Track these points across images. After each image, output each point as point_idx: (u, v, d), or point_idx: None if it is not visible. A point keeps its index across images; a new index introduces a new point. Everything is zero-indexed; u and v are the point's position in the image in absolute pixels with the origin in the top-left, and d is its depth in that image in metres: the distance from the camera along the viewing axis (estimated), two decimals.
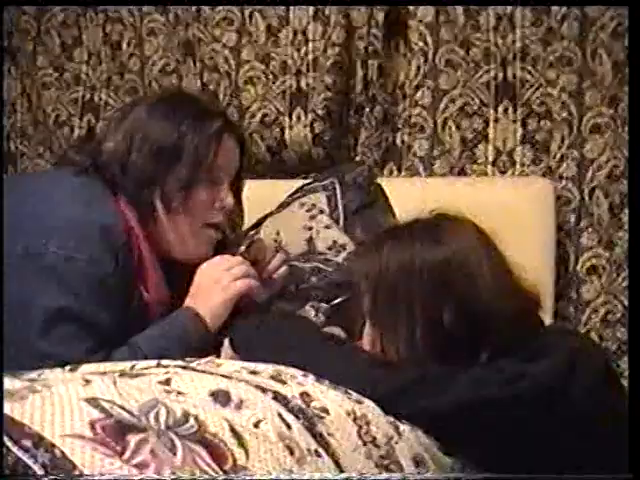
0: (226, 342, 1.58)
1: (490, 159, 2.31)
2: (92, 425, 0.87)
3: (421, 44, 2.33)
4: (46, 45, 2.67)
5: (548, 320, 2.07)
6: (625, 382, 1.93)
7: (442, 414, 1.33)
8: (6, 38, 2.73)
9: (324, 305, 1.92)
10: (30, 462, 0.78)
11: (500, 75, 2.29)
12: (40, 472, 0.77)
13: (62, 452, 0.81)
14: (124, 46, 2.60)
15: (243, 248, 1.79)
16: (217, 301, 1.65)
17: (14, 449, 0.79)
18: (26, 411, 0.87)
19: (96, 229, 1.56)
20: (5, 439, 0.79)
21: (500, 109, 2.29)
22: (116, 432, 0.88)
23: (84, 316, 1.52)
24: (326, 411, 1.21)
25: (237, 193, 1.79)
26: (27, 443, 0.80)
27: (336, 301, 1.91)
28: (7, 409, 0.86)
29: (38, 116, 2.70)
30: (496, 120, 2.30)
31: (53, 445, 0.81)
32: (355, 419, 1.25)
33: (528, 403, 1.32)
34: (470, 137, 2.32)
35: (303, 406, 1.18)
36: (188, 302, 1.67)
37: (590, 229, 2.24)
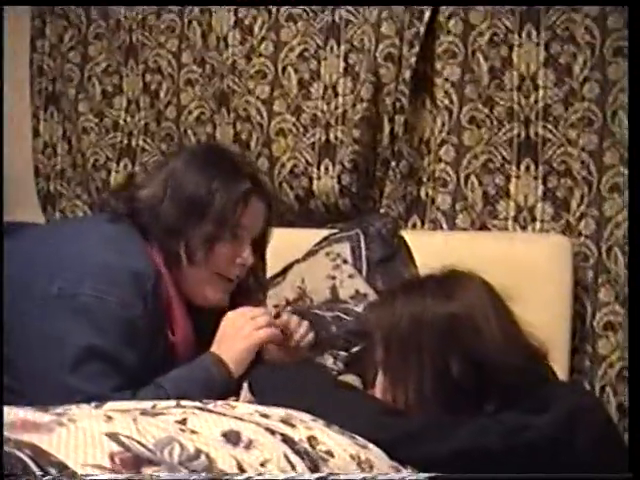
0: (245, 385, 1.70)
1: (511, 215, 2.41)
2: (111, 457, 0.99)
3: (446, 101, 2.44)
4: (87, 92, 2.83)
5: (563, 374, 2.16)
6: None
7: (443, 461, 1.42)
8: (50, 83, 2.90)
9: (342, 353, 2.02)
10: None
11: (522, 133, 2.39)
12: None
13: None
14: (162, 95, 2.75)
15: (272, 315, 1.87)
16: (240, 348, 1.76)
17: (39, 476, 0.90)
18: (53, 442, 0.98)
19: (127, 274, 1.68)
20: (32, 466, 0.91)
21: (522, 166, 2.39)
22: (132, 464, 0.99)
23: (112, 355, 1.64)
24: (331, 454, 1.31)
25: (261, 250, 1.90)
26: (52, 470, 0.91)
27: (353, 350, 2.01)
28: (35, 440, 0.98)
29: (77, 159, 2.86)
30: (518, 177, 2.40)
31: (75, 474, 0.93)
32: (359, 463, 1.34)
33: (528, 455, 1.41)
34: (492, 193, 2.42)
35: (309, 449, 1.28)
36: (213, 348, 1.78)
37: (607, 285, 2.33)
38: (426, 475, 1.36)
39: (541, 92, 2.37)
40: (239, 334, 1.78)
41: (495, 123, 2.41)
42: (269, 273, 2.25)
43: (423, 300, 1.55)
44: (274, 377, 1.64)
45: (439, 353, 1.51)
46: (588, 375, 2.32)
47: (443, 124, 2.45)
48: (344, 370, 1.99)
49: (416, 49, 2.44)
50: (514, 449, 1.40)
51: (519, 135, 2.40)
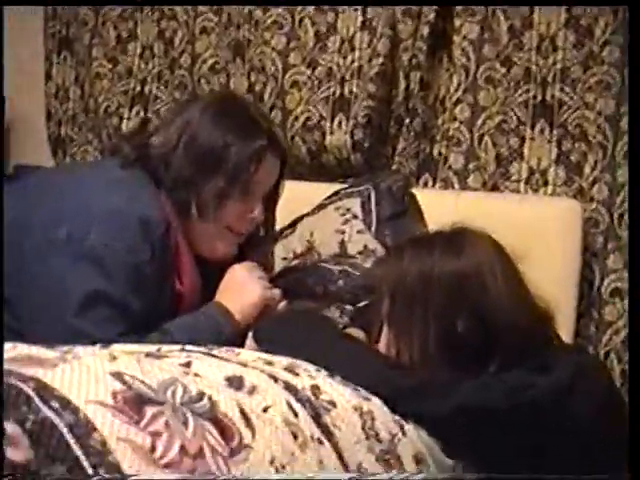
0: (250, 334, 1.70)
1: (523, 177, 2.39)
2: (114, 395, 0.99)
3: (464, 60, 2.42)
4: (102, 37, 2.80)
5: (568, 338, 2.15)
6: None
7: (445, 418, 1.42)
8: (64, 27, 2.87)
9: (349, 307, 2.02)
10: (57, 421, 0.90)
11: (539, 95, 2.36)
12: (64, 430, 0.89)
13: (85, 415, 0.92)
14: (176, 42, 2.73)
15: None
16: (247, 302, 1.76)
17: (43, 408, 0.90)
18: (56, 377, 0.98)
19: (136, 220, 1.67)
20: (36, 399, 0.91)
21: (537, 129, 2.37)
22: (135, 403, 0.99)
23: (118, 300, 1.64)
24: (333, 404, 1.32)
25: (272, 204, 1.89)
26: (55, 404, 0.92)
27: (360, 304, 2.00)
28: (40, 374, 0.98)
29: (89, 105, 2.84)
30: (532, 139, 2.38)
31: (78, 408, 0.93)
32: (361, 414, 1.35)
33: (529, 413, 1.41)
34: (505, 154, 2.40)
35: (312, 397, 1.29)
36: (218, 297, 1.78)
37: (617, 252, 2.32)
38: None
39: (560, 54, 2.35)
40: (246, 288, 1.78)
41: (512, 84, 2.39)
42: (279, 225, 2.24)
43: (431, 256, 1.54)
44: (279, 327, 1.64)
45: (445, 309, 1.51)
46: (593, 340, 2.32)
47: (459, 83, 2.42)
48: (350, 324, 1.99)
49: (435, 5, 2.41)
50: (516, 407, 1.40)
51: (535, 97, 2.37)
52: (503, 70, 2.39)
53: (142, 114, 2.75)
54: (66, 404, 0.93)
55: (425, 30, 2.42)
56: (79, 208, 1.67)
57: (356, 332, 1.88)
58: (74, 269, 1.63)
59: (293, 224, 2.30)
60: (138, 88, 2.77)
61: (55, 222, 1.66)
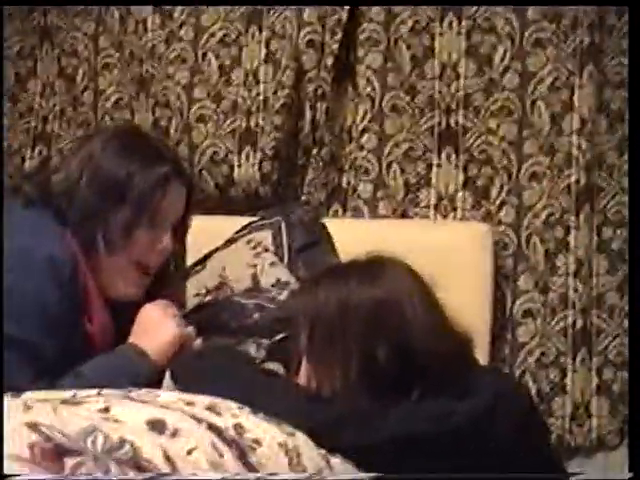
0: (167, 374, 1.66)
1: (432, 203, 2.41)
2: (31, 447, 0.94)
3: (368, 89, 2.43)
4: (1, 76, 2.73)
5: (484, 361, 2.17)
6: (548, 425, 2.05)
7: (372, 448, 1.41)
8: None
9: (265, 341, 1.99)
10: None
11: (444, 122, 2.39)
12: None
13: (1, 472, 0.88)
14: (78, 79, 2.68)
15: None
16: (163, 340, 1.72)
17: None
18: None
19: (42, 259, 1.62)
20: None
21: (443, 155, 2.40)
22: (53, 455, 0.95)
23: (27, 344, 1.58)
24: (258, 442, 1.28)
25: (181, 237, 1.86)
26: None
27: (277, 337, 1.98)
28: None
29: None
30: (439, 165, 2.40)
31: None
32: (287, 451, 1.32)
33: (454, 440, 1.41)
34: (413, 181, 2.42)
35: (236, 437, 1.25)
36: (132, 338, 1.73)
37: (527, 273, 2.35)
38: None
39: (462, 81, 2.38)
40: (160, 327, 1.74)
41: (417, 111, 2.41)
42: (189, 261, 2.21)
43: (347, 285, 1.53)
44: (196, 365, 1.60)
45: (365, 339, 1.49)
46: (508, 362, 2.34)
47: (365, 112, 2.44)
48: (267, 358, 1.96)
49: (338, 36, 2.42)
50: (441, 435, 1.40)
51: (440, 124, 2.40)
52: (407, 98, 2.42)
53: (45, 153, 2.68)
54: None
55: (329, 60, 2.43)
56: None
57: (274, 366, 1.86)
58: None
59: (204, 259, 2.27)
60: (40, 126, 2.71)
61: None
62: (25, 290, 1.59)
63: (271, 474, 0.99)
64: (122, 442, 1.05)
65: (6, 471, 0.87)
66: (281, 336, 1.96)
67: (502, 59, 2.36)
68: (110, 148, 1.76)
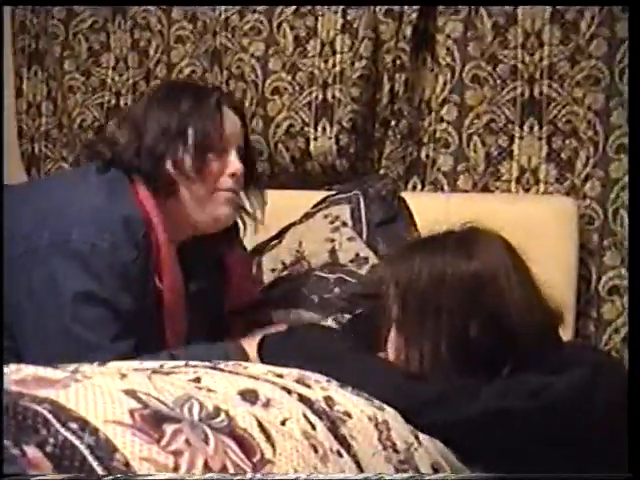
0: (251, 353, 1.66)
1: (514, 176, 2.39)
2: (131, 414, 0.96)
3: (448, 59, 2.41)
4: (73, 49, 2.77)
5: (568, 338, 2.14)
6: None
7: (466, 426, 1.40)
8: (34, 41, 2.83)
9: (346, 316, 1.99)
10: (77, 442, 0.86)
11: (527, 92, 2.36)
12: (86, 452, 0.85)
13: (105, 435, 0.89)
14: (151, 52, 2.70)
15: None
16: None
17: (62, 430, 0.87)
18: (70, 397, 0.95)
19: (118, 218, 1.66)
20: (53, 421, 0.88)
21: (526, 126, 2.37)
22: (153, 421, 0.96)
23: (108, 301, 1.61)
24: (349, 415, 1.29)
25: (249, 160, 1.89)
26: (73, 425, 0.88)
27: (356, 312, 1.98)
28: (52, 395, 0.94)
29: (63, 120, 2.80)
30: (521, 137, 2.37)
31: (97, 429, 0.90)
32: (377, 424, 1.32)
33: (551, 415, 1.39)
34: (495, 154, 2.40)
35: (327, 409, 1.26)
36: (242, 341, 1.76)
37: (613, 249, 2.31)
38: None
39: (546, 49, 2.35)
40: None
41: (498, 82, 2.38)
42: (265, 236, 2.22)
43: (444, 257, 1.52)
44: (285, 343, 1.61)
45: (459, 313, 1.48)
46: (593, 339, 2.31)
47: (445, 83, 2.42)
48: (346, 333, 1.97)
49: (417, 5, 2.40)
50: (536, 410, 1.38)
51: (523, 94, 2.37)
52: (489, 68, 2.39)
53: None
54: (84, 425, 0.89)
55: (407, 30, 2.41)
56: (59, 212, 1.65)
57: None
58: (60, 273, 1.60)
59: (280, 234, 2.28)
60: (113, 101, 2.74)
61: (36, 229, 1.64)
62: (102, 247, 1.63)
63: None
64: (217, 411, 1.06)
65: (110, 435, 0.89)
66: (361, 311, 1.97)
67: (589, 25, 2.31)
68: (154, 104, 1.81)
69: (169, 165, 1.75)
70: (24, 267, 1.62)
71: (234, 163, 1.81)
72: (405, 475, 1.30)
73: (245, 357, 1.69)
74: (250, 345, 1.70)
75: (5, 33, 2.84)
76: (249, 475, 1.00)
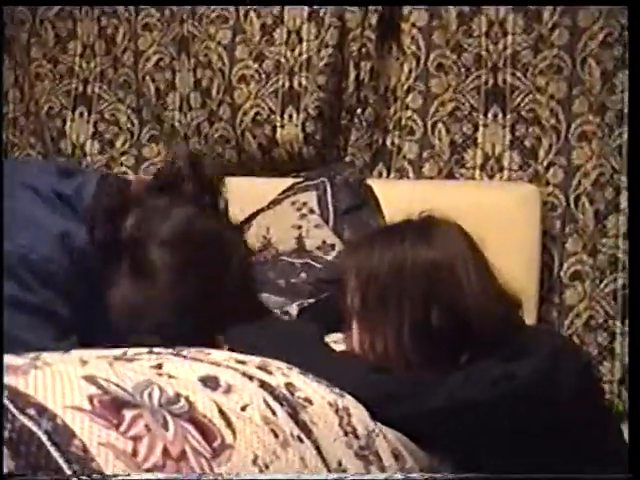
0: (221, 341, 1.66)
1: (478, 163, 2.41)
2: (90, 399, 0.96)
3: (413, 48, 2.42)
4: (40, 37, 2.75)
5: (531, 323, 2.16)
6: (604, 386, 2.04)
7: (431, 418, 1.40)
8: None
9: (310, 301, 2.00)
10: (34, 428, 0.87)
11: (490, 80, 2.38)
12: (44, 437, 0.86)
13: (63, 421, 0.90)
14: (118, 40, 2.69)
15: None
16: None
17: (20, 417, 0.87)
18: (29, 384, 0.95)
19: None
20: (11, 407, 0.88)
21: (490, 114, 2.39)
22: (112, 407, 0.97)
23: (41, 306, 1.59)
24: (309, 401, 1.29)
25: None
26: (31, 411, 0.89)
27: (319, 297, 1.99)
28: (12, 381, 0.95)
29: (30, 107, 2.79)
30: (485, 125, 2.39)
31: (55, 415, 0.90)
32: (337, 410, 1.33)
33: (514, 403, 1.40)
34: (459, 141, 2.41)
35: (288, 395, 1.26)
36: None
37: (575, 235, 2.34)
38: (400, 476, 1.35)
39: (510, 38, 2.36)
40: None
41: (463, 70, 2.40)
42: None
43: (402, 245, 1.53)
44: (252, 333, 1.60)
45: (419, 301, 1.49)
46: (555, 325, 2.33)
47: (410, 71, 2.43)
48: (307, 319, 1.98)
49: None
50: (499, 398, 1.39)
51: (487, 82, 2.39)
52: (454, 57, 2.40)
53: (86, 115, 2.70)
54: (43, 411, 0.90)
55: (373, 19, 2.42)
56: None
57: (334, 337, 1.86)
58: None
59: (248, 220, 2.28)
60: (80, 88, 2.73)
61: None
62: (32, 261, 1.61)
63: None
64: (177, 396, 1.07)
65: (69, 421, 0.89)
66: (324, 296, 1.98)
67: (552, 15, 2.33)
68: None
69: None
70: None
71: None
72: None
73: None
74: None
75: None
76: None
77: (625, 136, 2.28)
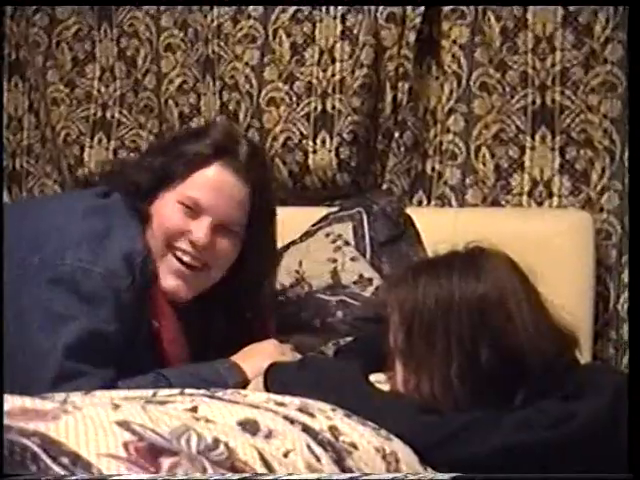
0: (255, 381, 1.66)
1: (526, 189, 2.40)
2: (126, 446, 0.96)
3: (454, 66, 2.42)
4: (57, 59, 2.78)
5: (585, 360, 2.14)
6: None
7: (486, 462, 1.39)
8: (14, 50, 2.85)
9: (348, 339, 1.99)
10: (70, 479, 0.87)
11: (538, 100, 2.37)
12: None
13: (99, 470, 0.89)
14: (139, 62, 2.71)
15: None
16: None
17: (53, 466, 0.87)
18: (60, 430, 0.95)
19: (115, 244, 1.66)
20: (43, 456, 0.88)
21: (537, 136, 2.38)
22: (149, 453, 0.97)
23: (95, 327, 1.61)
24: (355, 446, 1.29)
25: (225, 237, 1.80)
26: (65, 460, 0.89)
27: (359, 336, 1.98)
28: (41, 427, 0.95)
29: (46, 134, 2.81)
30: (533, 148, 2.38)
31: (90, 464, 0.90)
32: (384, 456, 1.32)
33: (577, 443, 1.39)
34: (505, 166, 2.41)
35: (332, 439, 1.26)
36: (233, 358, 1.75)
37: None
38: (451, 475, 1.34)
39: (558, 55, 2.36)
40: (266, 355, 1.74)
41: (508, 89, 2.39)
42: None
43: (449, 279, 1.52)
44: (296, 373, 1.60)
45: (468, 338, 1.49)
46: (613, 362, 2.31)
47: (451, 91, 2.43)
48: (344, 358, 1.96)
49: (421, 9, 2.41)
50: (557, 441, 1.38)
51: (534, 102, 2.38)
52: (498, 75, 2.40)
53: (105, 142, 2.72)
54: (76, 459, 0.90)
55: (411, 36, 2.43)
56: (53, 235, 1.66)
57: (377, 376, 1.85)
58: (47, 295, 1.60)
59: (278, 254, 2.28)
60: (99, 113, 2.75)
61: (29, 254, 1.64)
62: (96, 272, 1.63)
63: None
64: (216, 442, 1.07)
65: (104, 469, 0.89)
66: (362, 335, 1.97)
67: (604, 28, 2.32)
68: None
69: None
70: (15, 292, 1.61)
71: (198, 231, 1.74)
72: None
73: (242, 375, 1.69)
74: (251, 367, 1.70)
75: None
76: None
77: None
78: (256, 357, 1.73)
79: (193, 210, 1.74)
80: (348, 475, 1.20)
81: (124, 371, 1.63)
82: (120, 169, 1.86)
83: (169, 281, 1.74)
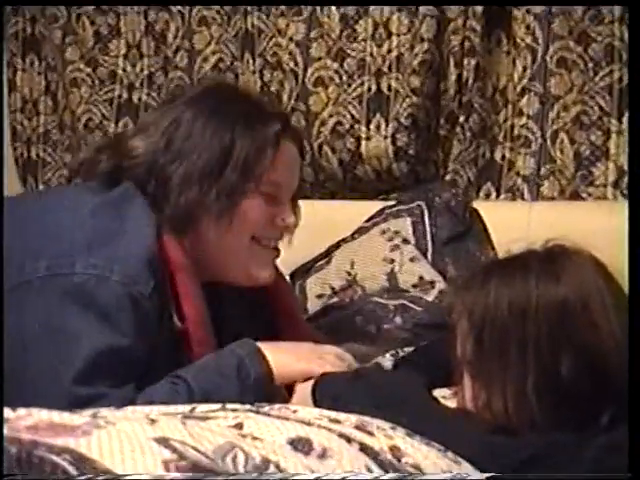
0: (302, 393, 1.67)
1: (610, 180, 2.39)
2: (166, 465, 0.97)
3: (529, 40, 2.42)
4: (77, 34, 2.81)
5: None
6: None
7: None
8: (29, 24, 2.88)
9: (407, 349, 2.00)
10: None
11: (624, 77, 2.36)
12: None
13: None
14: (170, 37, 2.74)
15: None
16: (297, 368, 1.69)
17: None
18: (93, 447, 0.96)
19: (130, 246, 1.66)
20: (75, 474, 0.89)
21: (624, 119, 2.37)
22: (192, 474, 0.98)
23: (115, 344, 1.61)
24: (418, 468, 1.29)
25: (296, 210, 1.87)
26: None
27: (422, 345, 1.99)
28: (71, 443, 0.96)
29: (65, 118, 2.84)
30: (619, 132, 2.37)
31: None
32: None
33: None
34: (586, 153, 2.40)
35: (394, 461, 1.26)
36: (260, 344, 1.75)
37: None
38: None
39: None
40: (301, 355, 1.74)
41: (590, 65, 2.39)
42: (310, 255, 2.24)
43: (526, 282, 1.52)
44: (351, 386, 1.60)
45: (547, 348, 1.48)
46: None
47: (524, 68, 2.43)
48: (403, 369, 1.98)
49: None
50: None
51: (620, 80, 2.37)
52: (579, 49, 2.39)
53: (131, 127, 2.75)
54: (112, 478, 0.91)
55: (478, 6, 2.43)
56: (58, 237, 1.66)
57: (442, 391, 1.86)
58: (58, 310, 1.61)
59: (327, 253, 2.29)
60: (125, 95, 2.78)
61: (31, 259, 1.63)
62: (111, 280, 1.63)
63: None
64: (266, 462, 1.07)
65: None
66: (424, 344, 1.97)
67: None
68: (200, 112, 1.78)
69: (200, 209, 1.72)
70: (15, 303, 1.61)
71: (288, 216, 1.79)
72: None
73: (267, 366, 1.68)
74: (277, 361, 1.70)
75: None
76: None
77: None
78: (286, 354, 1.73)
79: (274, 195, 1.78)
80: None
81: (147, 383, 1.64)
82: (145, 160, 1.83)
83: (263, 273, 1.80)
